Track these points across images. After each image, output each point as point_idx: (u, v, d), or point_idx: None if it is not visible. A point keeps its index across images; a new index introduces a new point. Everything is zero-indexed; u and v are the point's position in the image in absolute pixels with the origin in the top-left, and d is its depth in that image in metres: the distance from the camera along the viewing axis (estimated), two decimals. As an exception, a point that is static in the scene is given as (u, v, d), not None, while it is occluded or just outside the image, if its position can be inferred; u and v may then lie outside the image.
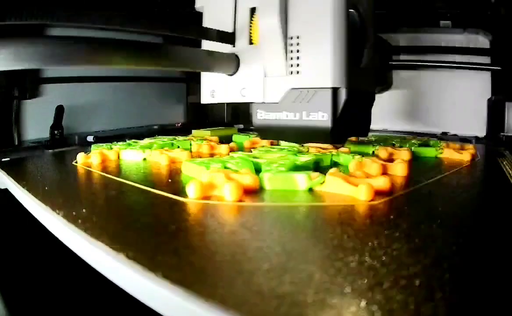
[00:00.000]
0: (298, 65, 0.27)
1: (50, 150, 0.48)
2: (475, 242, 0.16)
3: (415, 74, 0.59)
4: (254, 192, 0.23)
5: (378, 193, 0.22)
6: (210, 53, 0.28)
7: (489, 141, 0.50)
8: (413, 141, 0.40)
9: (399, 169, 0.27)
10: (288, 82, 0.28)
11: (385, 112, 0.61)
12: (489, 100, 0.53)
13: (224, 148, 0.38)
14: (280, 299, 0.11)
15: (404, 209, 0.21)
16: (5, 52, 0.17)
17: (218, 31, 0.30)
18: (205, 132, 0.52)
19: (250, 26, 0.30)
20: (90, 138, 0.53)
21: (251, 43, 0.30)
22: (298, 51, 0.27)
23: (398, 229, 0.17)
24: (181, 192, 0.23)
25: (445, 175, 0.28)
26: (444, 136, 0.52)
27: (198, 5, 0.34)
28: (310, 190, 0.23)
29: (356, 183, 0.22)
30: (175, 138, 0.43)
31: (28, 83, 0.55)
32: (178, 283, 0.12)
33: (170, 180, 0.27)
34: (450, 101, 0.56)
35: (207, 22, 0.33)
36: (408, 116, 0.60)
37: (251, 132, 0.54)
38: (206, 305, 0.11)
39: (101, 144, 0.40)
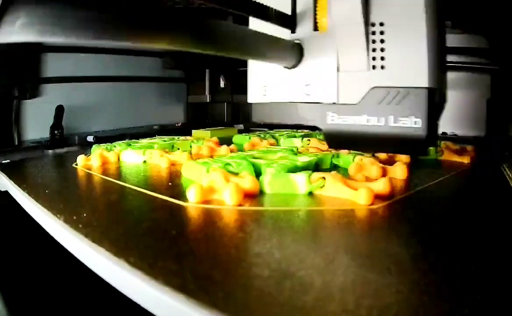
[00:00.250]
0: (382, 58, 0.22)
1: (50, 151, 0.48)
2: (475, 246, 0.16)
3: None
4: (254, 196, 0.23)
5: (378, 197, 0.22)
6: (274, 38, 0.23)
7: (489, 142, 0.50)
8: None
9: (399, 172, 0.27)
10: (370, 79, 0.23)
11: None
12: (489, 100, 0.53)
13: (224, 150, 0.38)
14: (281, 306, 0.11)
15: (404, 214, 0.21)
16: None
17: (280, 12, 0.24)
18: (205, 133, 0.52)
19: (315, 8, 0.25)
20: (90, 138, 0.53)
21: (316, 29, 0.25)
22: (382, 41, 0.22)
23: (397, 234, 0.18)
24: (182, 195, 0.23)
25: (445, 178, 0.28)
26: (444, 137, 0.52)
27: None
28: (310, 193, 0.23)
29: (356, 186, 0.22)
30: (174, 139, 0.43)
31: (28, 83, 0.55)
32: (179, 289, 0.12)
33: (170, 183, 0.27)
34: (450, 101, 0.56)
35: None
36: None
37: (251, 133, 0.54)
38: (207, 311, 0.11)
39: (101, 144, 0.40)
